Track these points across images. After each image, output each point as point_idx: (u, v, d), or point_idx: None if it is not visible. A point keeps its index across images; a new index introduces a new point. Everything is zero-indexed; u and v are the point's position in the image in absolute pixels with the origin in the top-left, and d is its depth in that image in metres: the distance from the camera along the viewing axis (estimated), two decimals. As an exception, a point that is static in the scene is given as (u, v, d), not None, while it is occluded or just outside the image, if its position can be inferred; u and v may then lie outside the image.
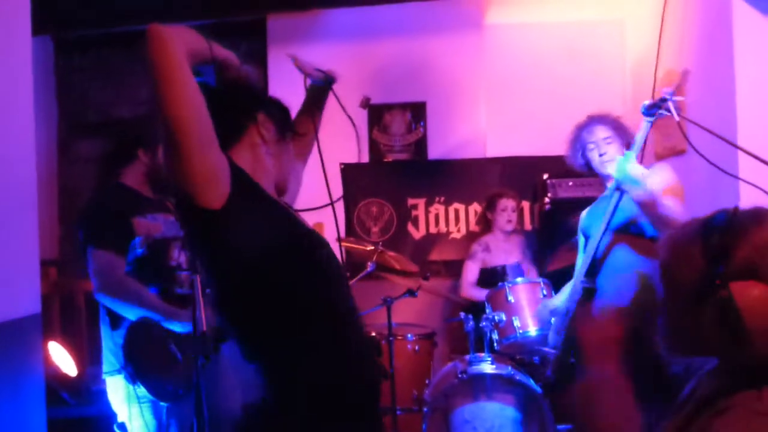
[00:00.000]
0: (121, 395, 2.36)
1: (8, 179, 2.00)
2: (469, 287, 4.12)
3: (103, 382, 2.48)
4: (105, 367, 2.43)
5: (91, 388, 3.35)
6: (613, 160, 2.75)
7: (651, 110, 2.47)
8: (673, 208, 2.51)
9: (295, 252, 1.48)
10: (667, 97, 2.37)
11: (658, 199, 2.50)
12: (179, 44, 1.38)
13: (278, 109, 1.67)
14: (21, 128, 2.11)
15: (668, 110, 2.34)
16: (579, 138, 2.95)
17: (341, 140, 4.73)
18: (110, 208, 2.40)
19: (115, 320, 2.34)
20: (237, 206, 1.40)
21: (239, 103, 1.57)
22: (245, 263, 1.42)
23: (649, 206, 2.50)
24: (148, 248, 2.36)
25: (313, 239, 1.53)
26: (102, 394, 2.50)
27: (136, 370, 2.23)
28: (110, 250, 2.31)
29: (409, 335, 3.72)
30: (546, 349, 3.02)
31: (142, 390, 2.27)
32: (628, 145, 2.79)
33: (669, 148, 3.90)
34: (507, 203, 4.19)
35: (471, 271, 4.16)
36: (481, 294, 3.80)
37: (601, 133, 2.87)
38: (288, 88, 5.22)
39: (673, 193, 2.62)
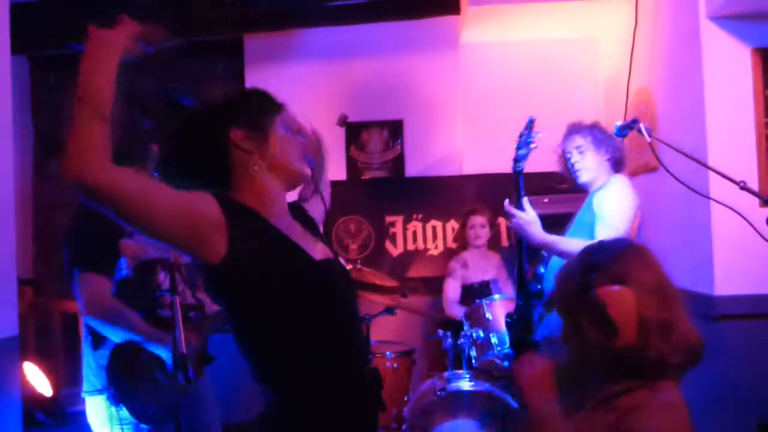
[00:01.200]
0: (102, 416, 2.31)
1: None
2: (453, 306, 4.13)
3: (82, 401, 2.44)
4: (85, 387, 2.38)
5: (66, 409, 3.31)
6: (586, 170, 2.94)
7: (623, 131, 2.53)
8: (574, 245, 2.60)
9: (302, 287, 1.45)
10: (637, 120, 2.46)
11: (552, 243, 2.71)
12: (97, 159, 1.28)
13: (249, 106, 1.55)
14: (-2, 148, 2.10)
15: (640, 131, 2.40)
16: (561, 146, 3.07)
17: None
18: (97, 229, 2.36)
19: (97, 340, 2.31)
20: (238, 257, 1.38)
21: (205, 137, 1.49)
22: (252, 303, 1.43)
23: (546, 248, 2.76)
24: (135, 270, 2.33)
25: (321, 271, 1.51)
26: (78, 415, 2.46)
27: (119, 392, 2.20)
28: (98, 272, 2.26)
29: (387, 353, 3.72)
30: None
31: (124, 412, 2.24)
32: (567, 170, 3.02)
33: (642, 165, 3.97)
34: (476, 220, 4.24)
35: (452, 289, 4.19)
36: (461, 312, 3.81)
37: (575, 141, 2.98)
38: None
39: (607, 224, 2.78)
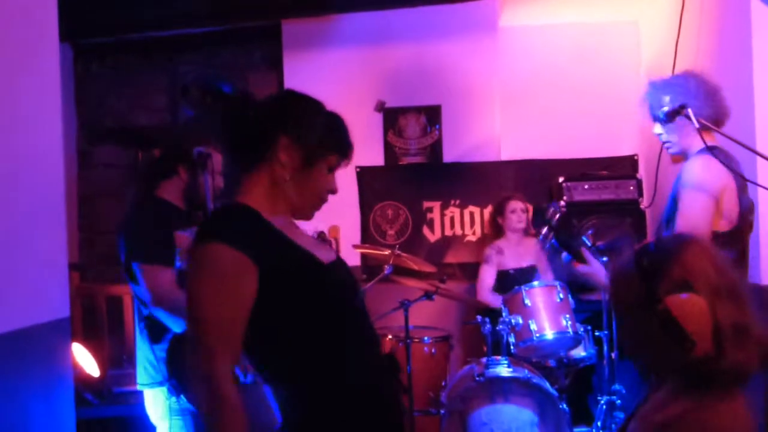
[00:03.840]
0: (161, 408, 2.37)
1: (37, 186, 2.05)
2: (486, 292, 4.14)
3: (130, 383, 2.48)
4: (142, 379, 2.43)
5: (112, 389, 3.41)
6: (677, 136, 2.51)
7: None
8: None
9: (311, 288, 1.48)
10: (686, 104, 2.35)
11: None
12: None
13: (317, 134, 1.56)
14: (49, 136, 2.17)
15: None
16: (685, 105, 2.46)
17: (357, 143, 4.78)
18: (155, 222, 2.41)
19: (157, 333, 2.35)
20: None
21: (258, 125, 1.53)
22: (261, 305, 1.45)
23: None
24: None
25: (329, 272, 1.54)
26: (125, 395, 2.52)
27: (180, 382, 2.25)
28: (160, 263, 2.31)
29: (425, 338, 3.76)
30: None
31: (183, 402, 2.29)
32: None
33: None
34: (516, 205, 4.22)
35: (488, 275, 4.19)
36: (497, 301, 3.82)
37: (661, 103, 2.55)
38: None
39: (681, 216, 2.42)
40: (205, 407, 1.38)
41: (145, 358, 2.42)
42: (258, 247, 1.44)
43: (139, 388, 2.47)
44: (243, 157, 1.56)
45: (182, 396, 2.27)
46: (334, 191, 1.62)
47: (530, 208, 4.47)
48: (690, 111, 2.37)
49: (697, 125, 2.36)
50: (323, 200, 1.62)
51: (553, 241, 2.61)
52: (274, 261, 1.44)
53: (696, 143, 2.46)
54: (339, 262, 1.62)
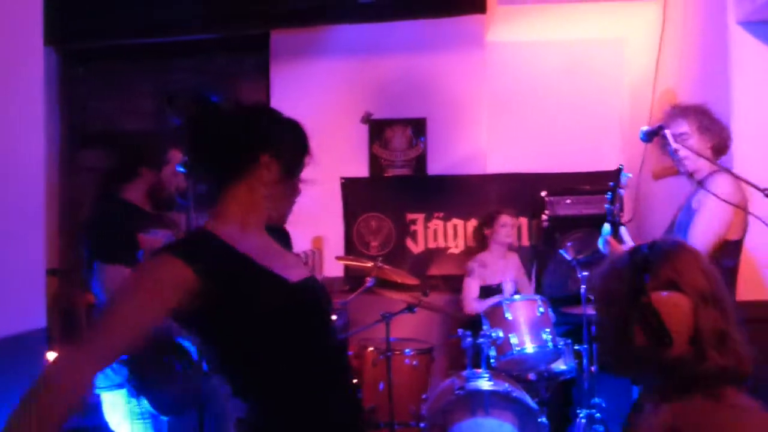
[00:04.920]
0: (121, 412, 2.36)
1: (17, 191, 2.03)
2: (472, 302, 4.15)
3: (96, 396, 2.47)
4: (100, 382, 2.40)
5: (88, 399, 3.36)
6: (688, 159, 2.72)
7: (649, 136, 2.54)
8: None
9: (273, 309, 1.48)
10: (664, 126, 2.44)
11: None
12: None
13: (292, 145, 1.61)
14: (31, 140, 2.16)
15: (665, 137, 2.41)
16: (663, 127, 2.78)
17: (342, 154, 4.82)
18: (117, 223, 2.43)
19: None
20: (210, 291, 1.42)
21: (240, 144, 1.54)
22: (223, 326, 1.46)
23: None
24: None
25: (294, 292, 1.53)
26: (95, 406, 2.48)
27: (140, 383, 2.24)
28: (120, 263, 2.32)
29: (407, 350, 3.77)
30: None
31: (144, 405, 2.28)
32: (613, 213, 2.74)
33: (668, 168, 3.96)
34: (506, 219, 4.24)
35: (472, 288, 4.20)
36: (485, 304, 3.83)
37: (680, 127, 2.76)
38: (290, 103, 5.30)
39: (700, 224, 2.64)
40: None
41: None
42: (210, 265, 1.43)
43: (96, 391, 2.43)
44: (221, 173, 1.56)
45: (143, 398, 2.25)
46: (299, 194, 1.66)
47: (521, 222, 4.51)
48: (667, 132, 2.50)
49: (673, 146, 2.47)
50: (293, 205, 1.67)
51: (614, 206, 2.61)
52: (227, 279, 1.44)
53: (703, 164, 2.72)
54: (309, 282, 1.61)
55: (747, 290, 3.14)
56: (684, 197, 2.89)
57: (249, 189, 1.55)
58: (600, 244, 2.65)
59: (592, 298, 1.22)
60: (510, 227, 4.26)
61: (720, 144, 2.78)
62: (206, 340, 1.51)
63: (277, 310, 1.48)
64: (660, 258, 1.31)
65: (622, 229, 2.63)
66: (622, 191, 2.63)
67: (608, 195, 2.65)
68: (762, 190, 2.11)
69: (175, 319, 1.47)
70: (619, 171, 2.64)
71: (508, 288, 4.07)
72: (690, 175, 2.74)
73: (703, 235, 2.58)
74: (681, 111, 2.81)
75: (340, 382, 1.59)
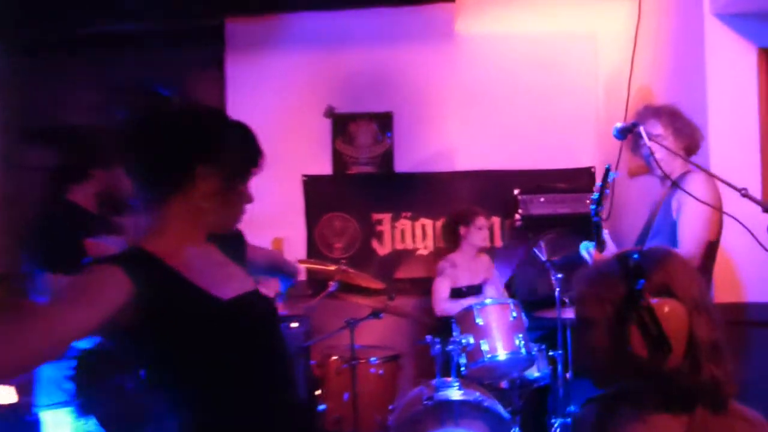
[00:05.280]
0: (66, 430, 2.31)
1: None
2: (443, 303, 4.13)
3: (35, 414, 2.42)
4: (43, 400, 2.37)
5: (24, 416, 3.27)
6: (663, 161, 2.75)
7: (623, 134, 2.56)
8: None
9: (203, 329, 1.47)
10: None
11: None
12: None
13: (236, 153, 1.58)
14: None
15: (639, 134, 2.43)
16: (634, 128, 2.79)
17: (303, 151, 4.78)
18: (62, 228, 2.36)
19: None
20: (142, 307, 1.40)
21: (172, 156, 1.51)
22: (155, 345, 1.45)
23: None
24: None
25: (226, 310, 1.51)
26: (35, 425, 2.44)
27: (88, 401, 2.20)
28: (64, 272, 2.22)
29: (372, 358, 3.75)
30: None
31: (91, 424, 2.24)
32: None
33: (642, 166, 4.00)
34: (482, 221, 4.24)
35: (443, 288, 4.18)
36: (457, 306, 3.81)
37: (654, 128, 2.82)
38: (247, 97, 5.23)
39: (688, 231, 2.69)
40: None
41: (47, 377, 2.34)
42: (145, 281, 1.42)
43: (37, 411, 2.38)
44: (156, 187, 1.53)
45: (91, 417, 2.21)
46: (250, 201, 1.63)
47: (493, 221, 4.52)
48: (641, 129, 2.53)
49: (648, 143, 2.52)
50: (243, 212, 1.63)
51: (601, 207, 2.66)
52: (156, 296, 1.42)
53: (678, 165, 2.81)
54: (247, 297, 1.59)
55: (722, 292, 3.20)
56: (658, 197, 2.93)
57: (186, 201, 1.52)
58: (583, 253, 2.68)
59: (573, 302, 1.22)
60: (486, 229, 4.26)
61: (692, 144, 2.86)
62: (138, 358, 1.50)
63: (204, 330, 1.47)
64: (652, 264, 1.31)
65: (605, 233, 2.67)
66: (608, 191, 2.67)
67: (595, 195, 2.68)
68: (739, 190, 2.14)
69: (108, 333, 1.44)
70: (607, 171, 2.67)
71: (491, 292, 4.06)
72: (664, 176, 2.78)
73: (690, 242, 2.63)
74: (654, 112, 2.87)
75: (283, 398, 1.58)
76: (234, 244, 1.74)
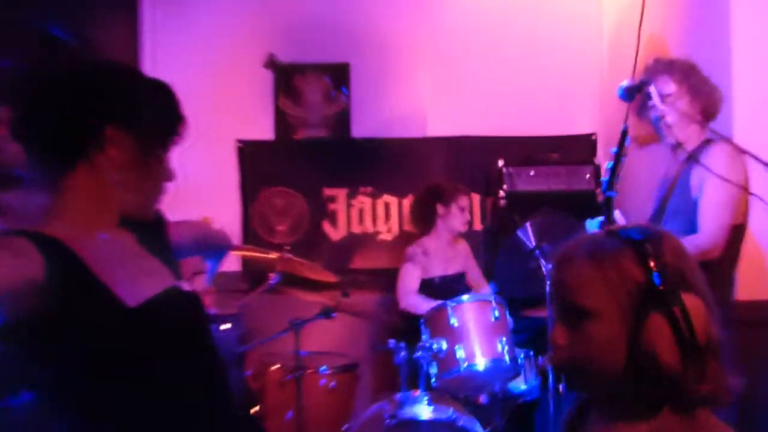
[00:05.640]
0: None
1: None
2: (412, 296, 4.13)
3: None
4: None
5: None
6: (676, 126, 2.80)
7: (629, 94, 2.56)
8: None
9: (109, 335, 1.47)
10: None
11: None
12: None
13: (152, 112, 1.57)
14: None
15: (649, 96, 2.43)
16: (642, 87, 2.81)
17: (239, 110, 4.74)
18: None
19: None
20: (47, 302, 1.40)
21: (74, 114, 1.49)
22: (54, 348, 1.44)
23: None
24: None
25: (139, 314, 1.51)
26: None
27: None
28: None
29: (322, 368, 3.74)
30: None
31: None
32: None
33: (652, 134, 4.03)
34: (465, 201, 4.24)
35: (411, 277, 4.18)
36: (425, 305, 3.83)
37: (666, 86, 2.85)
38: (166, 46, 5.13)
39: (713, 213, 2.73)
40: None
41: None
42: (55, 267, 1.41)
43: None
44: (54, 156, 1.50)
45: None
46: (170, 178, 1.62)
47: (472, 199, 4.52)
48: (652, 89, 2.56)
49: (660, 106, 2.55)
50: (162, 192, 1.64)
51: (616, 180, 2.66)
52: (64, 290, 1.42)
53: (694, 131, 2.82)
54: (163, 298, 1.56)
55: (748, 288, 3.24)
56: (672, 172, 2.96)
57: (92, 173, 1.50)
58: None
59: (558, 284, 1.19)
60: (467, 212, 4.28)
61: (710, 106, 2.88)
62: (30, 369, 1.48)
63: (112, 343, 1.46)
64: (662, 251, 1.30)
65: (617, 213, 2.69)
66: (624, 159, 2.66)
67: (609, 164, 2.68)
68: (765, 164, 2.16)
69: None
70: (624, 134, 2.65)
71: (468, 286, 4.10)
72: (678, 145, 2.81)
73: (712, 226, 2.68)
74: (665, 67, 2.88)
75: (215, 415, 1.58)
76: (153, 232, 1.70)
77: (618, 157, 2.67)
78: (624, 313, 1.28)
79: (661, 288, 1.25)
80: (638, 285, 1.27)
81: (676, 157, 2.93)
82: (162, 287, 1.57)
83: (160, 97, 1.59)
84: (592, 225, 2.79)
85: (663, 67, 2.89)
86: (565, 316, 1.35)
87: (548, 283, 3.53)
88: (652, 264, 1.26)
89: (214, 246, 2.14)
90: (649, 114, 2.88)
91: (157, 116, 1.57)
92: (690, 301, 1.25)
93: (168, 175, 1.62)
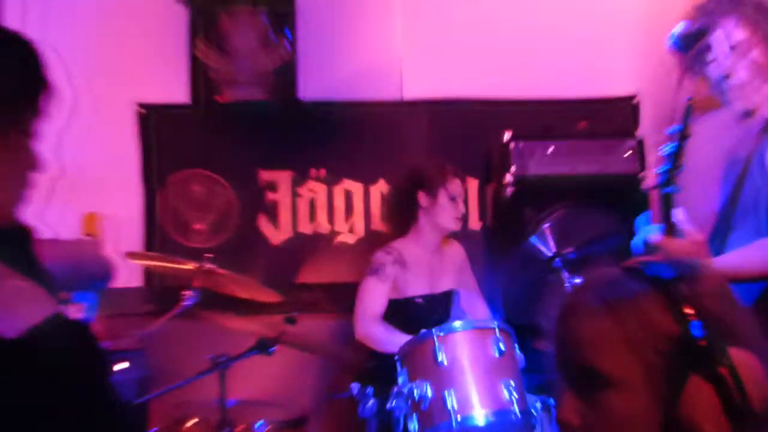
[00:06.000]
0: None
1: None
2: (372, 323, 4.09)
3: None
4: None
5: None
6: (748, 85, 2.82)
7: (686, 43, 2.63)
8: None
9: None
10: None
11: (737, 265, 2.63)
12: None
13: (5, 78, 1.58)
14: None
15: (709, 46, 2.47)
16: (693, 34, 2.85)
17: (139, 64, 4.73)
18: None
19: None
20: None
21: None
22: None
23: (732, 277, 2.65)
24: None
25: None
26: None
27: None
28: None
29: (259, 423, 3.71)
30: None
31: None
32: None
33: (708, 99, 4.04)
34: (456, 186, 4.20)
35: (375, 295, 4.13)
36: (392, 338, 3.83)
37: (733, 31, 2.83)
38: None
39: None
40: None
41: None
42: None
43: None
44: None
45: None
46: (35, 167, 1.64)
47: (471, 184, 4.51)
48: (715, 38, 2.62)
49: (726, 59, 2.64)
50: (26, 186, 1.65)
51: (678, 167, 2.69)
52: None
53: None
54: (37, 332, 1.56)
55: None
56: (741, 150, 2.95)
57: None
58: (639, 242, 2.72)
59: (565, 343, 1.24)
60: (461, 201, 4.22)
61: None
62: None
63: None
64: (701, 292, 1.36)
65: (678, 212, 2.68)
66: (688, 141, 2.68)
67: (667, 147, 2.69)
68: None
69: None
70: (689, 106, 2.67)
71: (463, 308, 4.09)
72: (749, 112, 2.81)
73: None
74: (733, 5, 2.85)
75: None
76: (14, 242, 1.71)
77: (682, 137, 2.66)
78: (653, 379, 1.33)
79: (702, 343, 1.30)
80: (671, 340, 1.32)
81: (747, 129, 2.93)
82: (42, 315, 1.55)
83: (13, 53, 1.61)
84: (643, 224, 2.76)
85: (729, 5, 2.86)
86: (577, 385, 1.40)
87: (552, 340, 3.52)
88: (688, 311, 1.31)
89: (89, 276, 2.15)
90: (707, 70, 2.87)
91: (7, 81, 1.58)
92: (740, 357, 1.30)
93: (33, 163, 1.61)
